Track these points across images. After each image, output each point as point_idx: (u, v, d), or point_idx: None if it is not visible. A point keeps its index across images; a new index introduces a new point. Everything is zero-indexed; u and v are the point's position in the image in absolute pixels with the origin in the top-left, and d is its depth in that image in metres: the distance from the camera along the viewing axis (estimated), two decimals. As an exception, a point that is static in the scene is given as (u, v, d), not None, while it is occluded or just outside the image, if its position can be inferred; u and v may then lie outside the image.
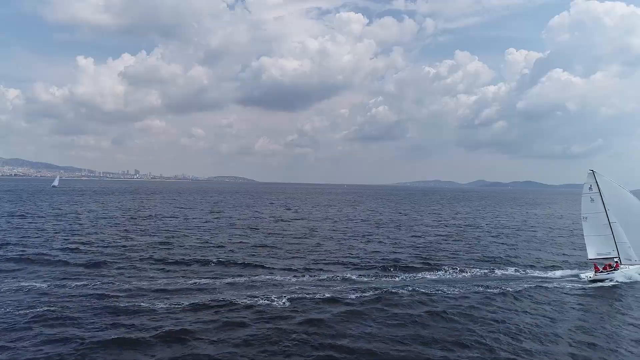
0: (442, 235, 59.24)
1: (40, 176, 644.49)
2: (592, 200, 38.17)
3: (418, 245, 49.37)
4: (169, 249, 43.30)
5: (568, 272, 37.76)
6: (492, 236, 60.06)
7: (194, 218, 76.32)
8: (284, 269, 35.33)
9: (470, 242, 53.06)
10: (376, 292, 28.42)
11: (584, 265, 38.89)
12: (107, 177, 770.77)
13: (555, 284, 32.94)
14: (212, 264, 36.42)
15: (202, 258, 38.57)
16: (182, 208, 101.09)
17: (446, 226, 72.51)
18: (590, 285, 33.47)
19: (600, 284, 34.14)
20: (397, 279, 32.95)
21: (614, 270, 36.33)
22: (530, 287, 31.32)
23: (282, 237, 53.78)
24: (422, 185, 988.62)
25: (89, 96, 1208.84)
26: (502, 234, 63.56)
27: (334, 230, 63.81)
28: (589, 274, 35.81)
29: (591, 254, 38.13)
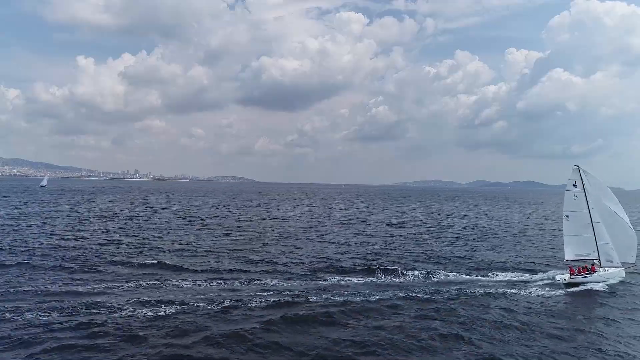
0: (402, 236, 56.70)
1: (40, 176, 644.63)
2: (576, 197, 36.01)
3: (369, 246, 46.90)
4: (104, 250, 41.06)
5: (542, 274, 35.53)
6: (459, 237, 57.43)
7: (158, 218, 74.08)
8: (207, 271, 33.07)
9: (429, 243, 50.47)
10: (285, 297, 26.10)
11: (561, 267, 36.78)
12: (107, 177, 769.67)
13: (527, 288, 30.73)
14: (133, 267, 34.10)
15: (128, 260, 36.27)
16: (154, 207, 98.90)
17: (414, 226, 69.85)
18: (565, 290, 31.18)
19: (576, 287, 31.85)
20: (321, 282, 30.55)
21: (591, 273, 34.11)
22: (492, 292, 28.83)
23: (233, 238, 51.46)
24: (422, 185, 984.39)
25: (89, 96, 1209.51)
26: (475, 233, 61.00)
27: (294, 230, 61.54)
28: (565, 277, 33.63)
29: (569, 255, 35.96)
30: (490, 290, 29.40)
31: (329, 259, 39.46)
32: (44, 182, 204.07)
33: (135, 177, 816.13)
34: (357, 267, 35.71)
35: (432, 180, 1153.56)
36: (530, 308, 26.29)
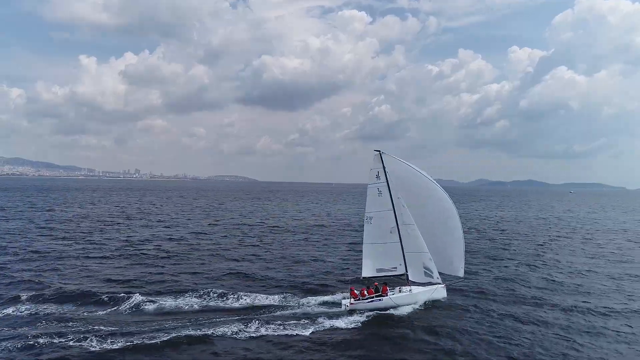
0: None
1: (39, 175, 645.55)
2: (380, 193, 28.17)
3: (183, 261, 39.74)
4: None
5: (328, 298, 27.91)
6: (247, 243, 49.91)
7: (59, 222, 68.26)
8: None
9: (246, 255, 42.96)
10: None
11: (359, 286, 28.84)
12: (106, 177, 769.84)
13: (292, 319, 23.93)
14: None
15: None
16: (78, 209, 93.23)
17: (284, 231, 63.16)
18: (347, 320, 24.25)
19: (363, 316, 24.91)
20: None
21: (381, 295, 26.65)
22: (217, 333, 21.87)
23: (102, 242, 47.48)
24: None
25: (90, 95, 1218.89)
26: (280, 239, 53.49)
27: (172, 235, 55.63)
28: (347, 302, 26.21)
29: (368, 270, 28.32)
30: (212, 332, 21.77)
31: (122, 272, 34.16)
32: None
33: (134, 176, 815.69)
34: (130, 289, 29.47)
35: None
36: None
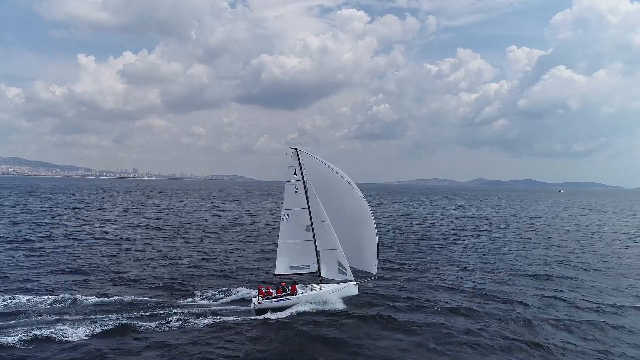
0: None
1: (35, 175, 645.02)
2: (297, 190, 27.81)
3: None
4: None
5: (238, 296, 27.57)
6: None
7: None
8: None
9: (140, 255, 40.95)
10: None
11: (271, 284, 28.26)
12: (103, 176, 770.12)
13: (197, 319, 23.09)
14: None
15: None
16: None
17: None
18: (254, 320, 23.83)
19: (270, 315, 24.53)
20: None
21: (290, 294, 26.32)
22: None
23: None
24: (421, 184, 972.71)
25: (89, 95, 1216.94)
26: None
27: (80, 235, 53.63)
28: (255, 301, 25.77)
29: (282, 268, 27.87)
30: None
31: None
32: None
33: (131, 175, 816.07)
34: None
35: (432, 179, 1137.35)
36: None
